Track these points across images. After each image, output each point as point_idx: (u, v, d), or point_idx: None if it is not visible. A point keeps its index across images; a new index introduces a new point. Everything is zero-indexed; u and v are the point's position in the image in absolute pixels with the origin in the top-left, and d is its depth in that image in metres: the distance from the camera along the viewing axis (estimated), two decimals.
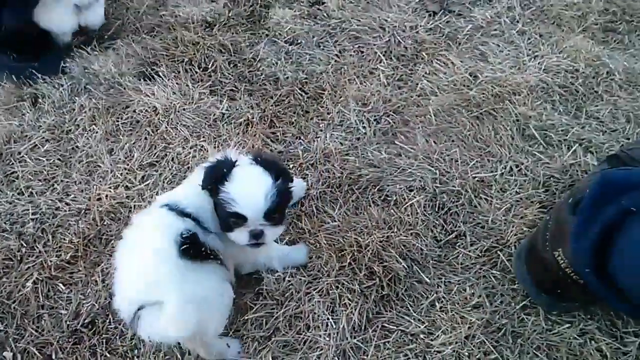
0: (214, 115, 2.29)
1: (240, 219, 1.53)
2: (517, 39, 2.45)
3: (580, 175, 2.00)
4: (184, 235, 1.49)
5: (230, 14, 2.67)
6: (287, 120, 2.27)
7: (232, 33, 2.59)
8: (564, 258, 1.55)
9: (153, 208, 1.62)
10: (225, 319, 1.64)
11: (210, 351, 1.69)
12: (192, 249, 1.49)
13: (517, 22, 2.51)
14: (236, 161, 1.58)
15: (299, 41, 2.54)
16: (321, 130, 2.22)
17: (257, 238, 1.56)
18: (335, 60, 2.45)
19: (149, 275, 1.47)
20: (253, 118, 2.26)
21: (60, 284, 1.90)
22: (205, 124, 2.27)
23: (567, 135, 2.12)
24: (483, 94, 2.23)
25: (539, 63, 2.33)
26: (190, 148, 2.19)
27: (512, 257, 1.84)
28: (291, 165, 2.12)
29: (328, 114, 2.27)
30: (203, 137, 2.22)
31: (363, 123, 2.22)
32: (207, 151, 2.15)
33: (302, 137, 2.21)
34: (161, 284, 1.46)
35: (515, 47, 2.42)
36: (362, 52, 2.47)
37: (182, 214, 1.55)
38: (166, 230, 1.50)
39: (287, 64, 2.45)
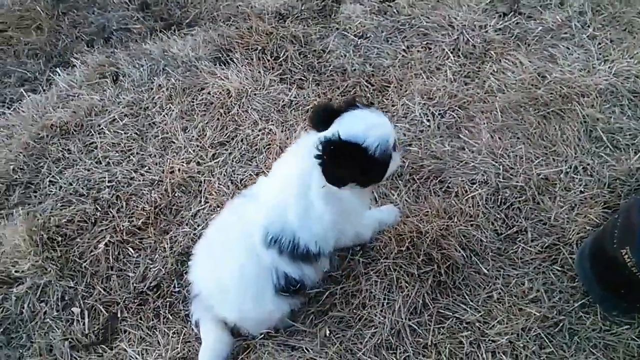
0: (283, 101, 2.37)
1: None
2: (588, 43, 2.43)
3: None
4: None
5: (302, 7, 2.76)
6: None
7: (304, 25, 2.67)
8: (631, 256, 1.54)
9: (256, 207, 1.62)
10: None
11: None
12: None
13: (588, 26, 2.50)
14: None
15: (368, 35, 2.59)
16: None
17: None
18: (403, 55, 2.49)
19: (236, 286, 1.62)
20: None
21: (130, 248, 2.01)
22: (274, 109, 2.35)
23: (634, 140, 2.09)
24: (551, 94, 2.23)
25: (609, 67, 2.31)
26: (259, 131, 2.28)
27: (573, 255, 1.84)
28: None
29: (393, 106, 2.31)
30: (271, 121, 2.30)
31: (427, 116, 2.25)
32: (275, 134, 2.23)
33: None
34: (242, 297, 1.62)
35: (585, 50, 2.40)
36: (430, 48, 2.50)
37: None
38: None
39: (355, 57, 2.51)
